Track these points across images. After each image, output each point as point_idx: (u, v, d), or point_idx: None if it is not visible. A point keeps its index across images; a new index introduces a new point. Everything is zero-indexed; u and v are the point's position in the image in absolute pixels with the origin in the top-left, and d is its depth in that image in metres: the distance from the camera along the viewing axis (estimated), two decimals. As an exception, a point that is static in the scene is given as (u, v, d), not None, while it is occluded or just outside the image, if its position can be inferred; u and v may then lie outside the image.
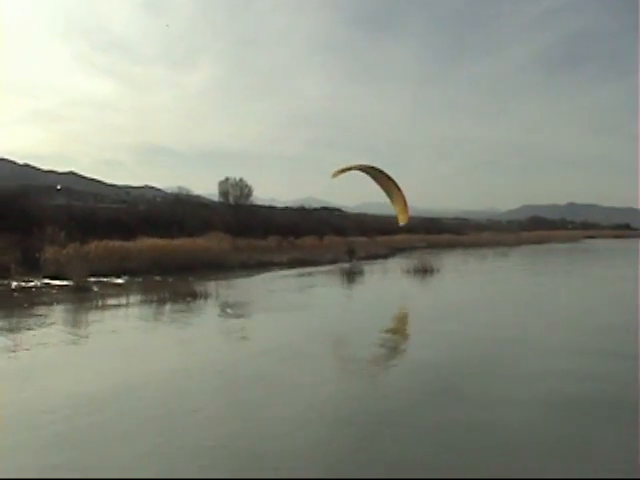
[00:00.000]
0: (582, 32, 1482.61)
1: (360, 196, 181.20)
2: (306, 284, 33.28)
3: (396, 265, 46.27)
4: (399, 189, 43.47)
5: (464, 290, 32.01)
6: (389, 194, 44.10)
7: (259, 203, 79.71)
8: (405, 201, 44.08)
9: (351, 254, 43.57)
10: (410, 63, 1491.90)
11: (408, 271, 38.99)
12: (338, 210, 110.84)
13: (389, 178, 43.21)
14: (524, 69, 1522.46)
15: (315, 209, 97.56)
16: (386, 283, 35.38)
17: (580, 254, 75.73)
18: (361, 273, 38.14)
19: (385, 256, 58.23)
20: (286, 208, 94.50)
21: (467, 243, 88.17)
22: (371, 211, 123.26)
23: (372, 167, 43.60)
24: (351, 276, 36.59)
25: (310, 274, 38.66)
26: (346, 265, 40.65)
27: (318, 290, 30.69)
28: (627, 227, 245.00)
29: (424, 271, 38.51)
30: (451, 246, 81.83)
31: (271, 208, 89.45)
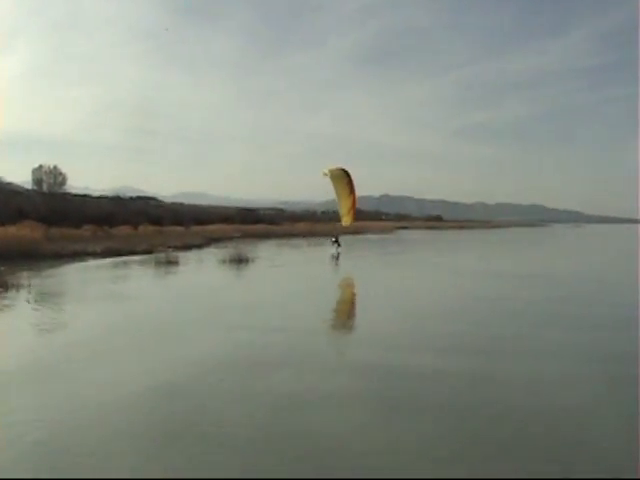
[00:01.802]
0: (399, 27, 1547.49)
1: (176, 185, 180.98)
2: (119, 274, 34.29)
3: (211, 255, 48.31)
4: (353, 193, 47.60)
5: (277, 281, 33.69)
6: (340, 196, 48.09)
7: (74, 192, 78.91)
8: (354, 204, 48.37)
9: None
10: (232, 53, 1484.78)
11: (223, 261, 41.05)
12: (154, 199, 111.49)
13: (349, 182, 47.46)
14: (343, 62, 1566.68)
15: (131, 198, 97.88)
16: (197, 274, 36.58)
17: (391, 245, 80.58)
18: (176, 263, 39.44)
19: (200, 246, 59.91)
20: (101, 197, 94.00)
21: (282, 233, 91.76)
22: (187, 201, 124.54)
23: (344, 170, 48.14)
24: (165, 265, 37.89)
25: (124, 264, 39.84)
26: (161, 255, 41.87)
27: (129, 281, 31.48)
28: (439, 219, 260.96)
29: (238, 261, 40.81)
30: (266, 236, 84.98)
31: (86, 197, 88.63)
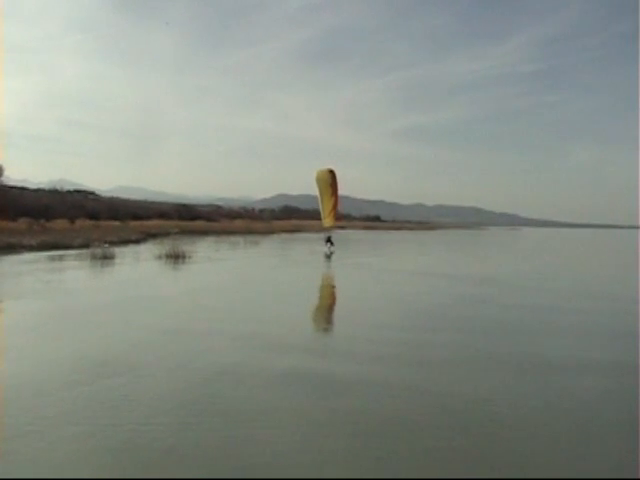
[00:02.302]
0: (341, 28, 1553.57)
1: (114, 179, 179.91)
2: (54, 268, 34.62)
3: (148, 251, 48.65)
4: (335, 195, 48.43)
5: (217, 275, 34.34)
6: (322, 197, 48.94)
7: (11, 184, 78.07)
8: (335, 206, 49.19)
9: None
10: (172, 48, 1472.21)
11: (159, 257, 41.57)
12: (92, 193, 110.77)
13: (333, 184, 48.30)
14: (284, 61, 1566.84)
15: (69, 191, 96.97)
16: (133, 269, 36.70)
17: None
18: (112, 258, 39.79)
19: (137, 241, 60.26)
20: (38, 190, 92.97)
21: (220, 230, 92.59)
22: (125, 195, 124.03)
23: (330, 171, 49.12)
24: (101, 260, 38.32)
25: (60, 258, 40.11)
26: (98, 250, 41.86)
27: (64, 275, 31.73)
28: (377, 219, 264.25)
29: (175, 257, 41.41)
30: (204, 233, 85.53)
31: (22, 189, 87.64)
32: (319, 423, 9.62)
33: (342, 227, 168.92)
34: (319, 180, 51.48)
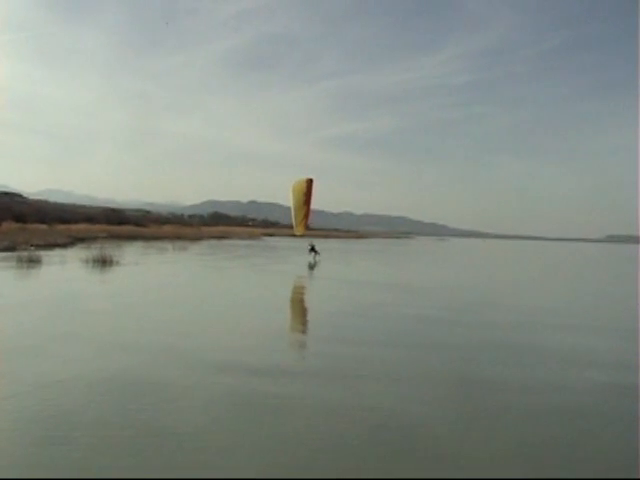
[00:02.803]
0: (275, 35, 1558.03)
1: (42, 182, 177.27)
2: None
3: (74, 255, 48.58)
4: (308, 204, 48.16)
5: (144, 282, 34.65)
6: (296, 205, 48.71)
7: (-64, 186, 76.48)
8: (307, 215, 48.85)
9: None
10: (103, 51, 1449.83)
11: (86, 261, 41.44)
12: (19, 196, 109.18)
13: (307, 192, 48.06)
14: (217, 66, 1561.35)
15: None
16: (58, 272, 36.13)
17: (256, 251, 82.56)
18: (38, 261, 39.66)
19: (65, 245, 59.94)
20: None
21: (149, 236, 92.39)
22: (52, 198, 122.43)
23: (308, 180, 49.79)
24: (27, 264, 38.08)
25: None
26: (24, 253, 41.97)
27: None
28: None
29: (102, 262, 41.28)
30: (132, 238, 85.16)
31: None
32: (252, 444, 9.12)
33: (271, 234, 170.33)
34: (294, 190, 51.75)
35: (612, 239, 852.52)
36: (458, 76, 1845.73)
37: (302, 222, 52.22)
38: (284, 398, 11.34)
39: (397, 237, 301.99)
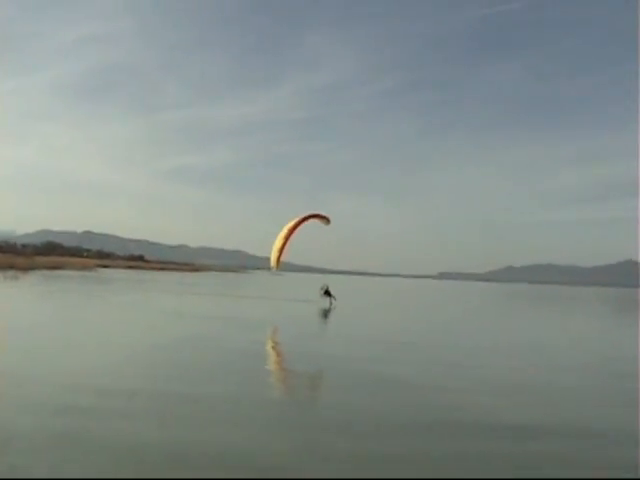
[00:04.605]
0: (117, 64, 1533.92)
1: None
2: None
3: None
4: (286, 239, 46.76)
5: None
6: (280, 238, 47.20)
7: None
8: (281, 249, 47.12)
9: None
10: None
11: None
12: None
13: (293, 227, 46.95)
14: (55, 92, 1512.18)
15: None
16: None
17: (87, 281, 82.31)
18: None
19: None
20: None
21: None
22: None
23: (307, 218, 48.47)
24: None
25: None
26: None
27: None
28: (141, 259, 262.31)
29: None
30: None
31: None
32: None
33: (106, 266, 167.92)
34: (288, 226, 48.11)
35: (443, 276, 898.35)
36: (296, 111, 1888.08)
37: (275, 255, 48.22)
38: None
39: (234, 271, 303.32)
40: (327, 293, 48.77)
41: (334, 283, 58.91)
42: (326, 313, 42.32)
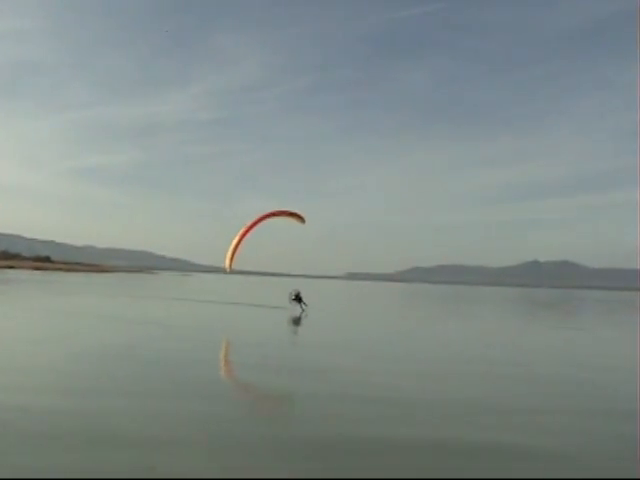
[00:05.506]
0: (21, 62, 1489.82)
1: None
2: None
3: None
4: (241, 236, 44.10)
5: None
6: (237, 238, 44.21)
7: None
8: (234, 249, 44.23)
9: None
10: None
11: None
12: None
13: (252, 224, 44.16)
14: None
15: None
16: None
17: None
18: None
19: None
20: None
21: None
22: None
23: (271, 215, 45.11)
24: None
25: None
26: None
27: None
28: (48, 260, 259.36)
29: None
30: None
31: None
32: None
33: (11, 267, 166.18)
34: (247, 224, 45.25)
35: (352, 277, 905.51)
36: (207, 112, 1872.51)
37: (228, 254, 45.35)
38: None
39: (140, 271, 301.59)
40: (298, 299, 45.22)
41: (242, 284, 54.86)
42: (297, 321, 38.14)
